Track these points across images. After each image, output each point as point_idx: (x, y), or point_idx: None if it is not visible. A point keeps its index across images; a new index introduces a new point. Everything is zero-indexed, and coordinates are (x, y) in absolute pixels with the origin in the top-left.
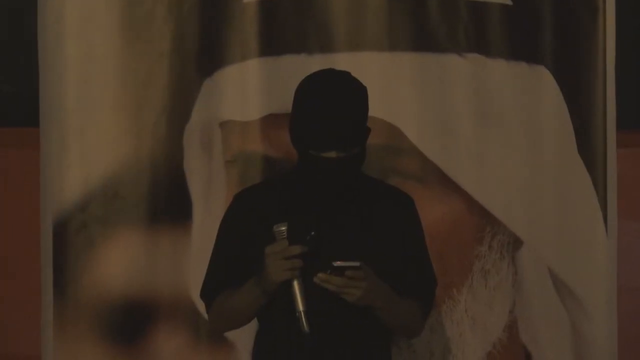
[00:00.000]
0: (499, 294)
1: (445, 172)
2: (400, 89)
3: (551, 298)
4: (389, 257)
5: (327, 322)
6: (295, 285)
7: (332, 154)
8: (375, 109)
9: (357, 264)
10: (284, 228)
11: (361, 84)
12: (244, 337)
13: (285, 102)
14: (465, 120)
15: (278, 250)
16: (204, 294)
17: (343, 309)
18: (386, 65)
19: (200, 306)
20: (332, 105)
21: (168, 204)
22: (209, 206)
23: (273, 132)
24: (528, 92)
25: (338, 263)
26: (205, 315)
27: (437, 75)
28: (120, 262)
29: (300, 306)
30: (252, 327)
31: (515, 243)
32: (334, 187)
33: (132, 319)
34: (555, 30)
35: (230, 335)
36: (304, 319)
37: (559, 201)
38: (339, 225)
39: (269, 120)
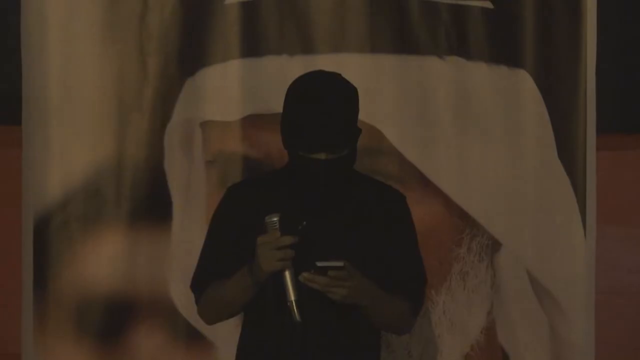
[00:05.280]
0: (478, 296)
1: (424, 174)
2: (380, 91)
3: (529, 300)
4: (379, 254)
5: (317, 313)
6: (287, 275)
7: (322, 156)
8: None
9: (340, 264)
10: (276, 219)
11: (351, 85)
12: (222, 335)
13: (266, 103)
14: (445, 122)
15: (270, 241)
16: (194, 285)
17: (332, 302)
18: (367, 67)
19: (179, 304)
20: (321, 106)
21: (148, 203)
22: (189, 205)
23: (253, 133)
24: (508, 96)
25: (321, 263)
26: (184, 312)
27: (418, 78)
28: (100, 260)
29: (292, 295)
30: (231, 324)
31: (494, 245)
32: (323, 188)
33: (112, 317)
34: (536, 34)
35: (209, 333)
36: (295, 308)
37: (538, 204)
38: (330, 220)
39: (250, 121)
